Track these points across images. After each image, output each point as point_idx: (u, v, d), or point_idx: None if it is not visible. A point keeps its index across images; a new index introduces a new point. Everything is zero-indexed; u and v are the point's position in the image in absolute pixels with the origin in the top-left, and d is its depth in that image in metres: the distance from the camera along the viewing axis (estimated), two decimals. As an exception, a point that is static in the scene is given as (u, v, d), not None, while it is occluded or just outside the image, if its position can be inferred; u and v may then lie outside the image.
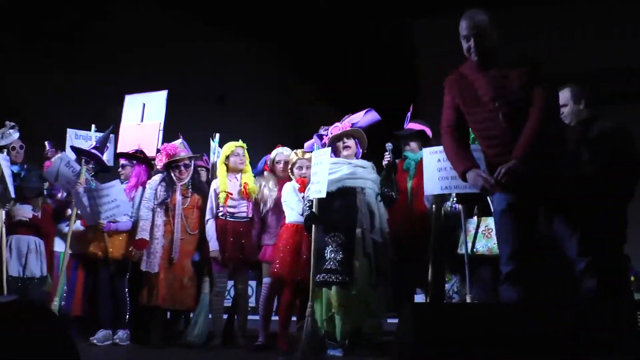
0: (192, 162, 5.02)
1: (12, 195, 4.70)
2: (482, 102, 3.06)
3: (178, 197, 4.90)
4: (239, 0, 11.90)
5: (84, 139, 5.36)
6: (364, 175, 4.26)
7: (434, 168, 4.01)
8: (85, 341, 4.66)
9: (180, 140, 4.99)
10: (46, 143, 5.57)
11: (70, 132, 5.38)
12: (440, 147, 3.98)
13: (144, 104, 5.54)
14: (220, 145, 5.16)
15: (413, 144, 4.70)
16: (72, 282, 5.06)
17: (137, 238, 4.76)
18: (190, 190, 4.98)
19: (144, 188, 4.97)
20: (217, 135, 5.32)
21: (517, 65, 3.04)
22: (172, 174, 4.93)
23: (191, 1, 12.59)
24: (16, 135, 4.94)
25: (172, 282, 4.78)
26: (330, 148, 4.31)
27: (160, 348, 4.64)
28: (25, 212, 4.88)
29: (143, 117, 5.51)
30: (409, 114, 4.71)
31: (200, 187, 5.06)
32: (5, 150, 4.95)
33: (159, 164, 4.96)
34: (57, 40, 13.73)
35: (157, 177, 4.99)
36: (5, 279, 4.68)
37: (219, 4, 12.17)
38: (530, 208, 3.14)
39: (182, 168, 4.93)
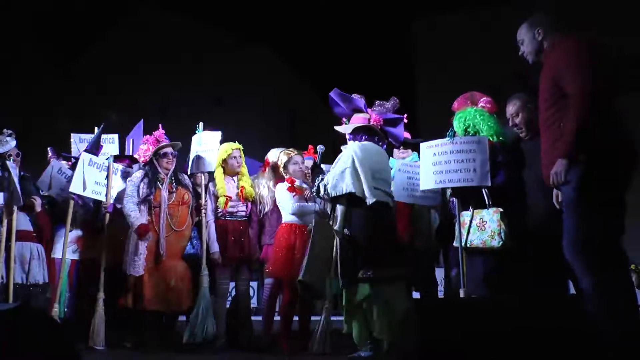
0: (176, 152, 4.96)
1: (21, 202, 4.73)
2: None
3: (163, 193, 4.79)
4: (238, 2, 11.96)
5: (88, 142, 5.38)
6: None
7: (430, 162, 4.01)
8: (87, 346, 4.69)
9: (161, 132, 5.00)
10: (48, 149, 5.61)
11: (75, 137, 5.46)
12: (437, 141, 4.05)
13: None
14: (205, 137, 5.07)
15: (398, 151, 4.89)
16: (74, 287, 5.09)
17: (135, 227, 4.67)
18: (175, 184, 4.86)
19: None
20: (202, 124, 5.15)
21: None
22: (158, 166, 4.84)
23: (192, 5, 12.65)
24: (13, 143, 4.93)
25: (158, 283, 4.65)
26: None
27: (156, 352, 4.53)
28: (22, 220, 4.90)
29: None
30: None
31: (184, 182, 4.96)
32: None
33: (144, 156, 4.91)
34: (60, 50, 13.83)
35: (138, 174, 4.92)
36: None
37: (217, 6, 12.22)
38: None
39: (170, 156, 4.85)
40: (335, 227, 4.08)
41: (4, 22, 11.31)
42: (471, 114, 4.14)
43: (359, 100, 4.36)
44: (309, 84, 15.03)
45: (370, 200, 3.94)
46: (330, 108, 4.42)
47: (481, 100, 4.28)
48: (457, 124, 4.15)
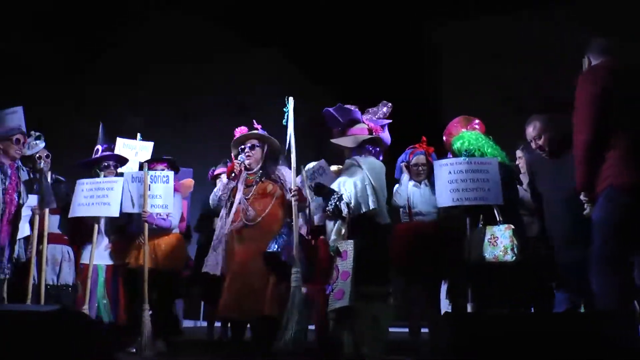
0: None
1: (53, 204, 4.78)
2: None
3: (240, 185, 4.52)
4: (257, 8, 12.03)
5: (130, 147, 5.40)
6: None
7: (445, 180, 4.12)
8: (124, 350, 4.75)
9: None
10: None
11: (119, 142, 5.39)
12: (450, 160, 4.22)
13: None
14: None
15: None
16: (114, 292, 5.10)
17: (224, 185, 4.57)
18: (258, 178, 4.52)
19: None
20: (291, 99, 4.58)
21: None
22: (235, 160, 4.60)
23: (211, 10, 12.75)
24: (42, 144, 4.95)
25: (235, 287, 4.27)
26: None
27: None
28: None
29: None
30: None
31: (273, 174, 4.54)
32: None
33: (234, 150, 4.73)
34: (82, 51, 14.00)
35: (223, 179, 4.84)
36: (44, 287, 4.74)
37: (235, 12, 12.31)
38: None
39: (247, 150, 4.57)
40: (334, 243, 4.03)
41: (20, 22, 11.47)
42: (473, 137, 4.29)
43: (356, 111, 4.34)
44: (330, 89, 15.09)
45: (385, 220, 4.12)
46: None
47: (474, 122, 4.41)
48: (461, 146, 4.27)
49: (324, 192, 4.16)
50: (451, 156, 4.40)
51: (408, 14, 11.73)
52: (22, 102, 4.79)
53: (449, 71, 11.86)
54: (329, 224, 4.17)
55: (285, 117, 4.44)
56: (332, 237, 4.10)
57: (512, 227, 3.94)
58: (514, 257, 3.84)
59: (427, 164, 4.48)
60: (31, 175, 4.80)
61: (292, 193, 4.25)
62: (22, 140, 4.61)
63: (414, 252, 4.28)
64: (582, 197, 3.22)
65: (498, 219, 4.00)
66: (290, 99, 4.51)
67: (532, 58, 10.18)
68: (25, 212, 4.68)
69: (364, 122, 4.31)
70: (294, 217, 4.25)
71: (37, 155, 4.96)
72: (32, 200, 4.72)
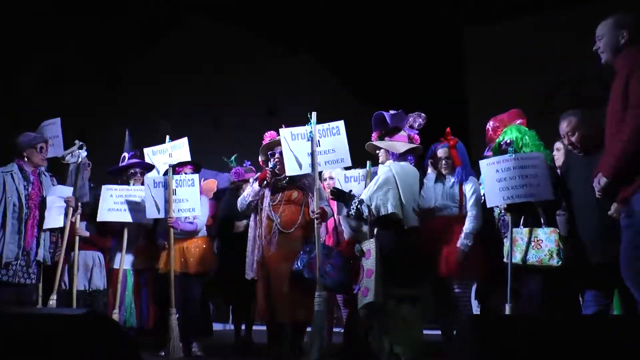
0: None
1: (87, 198, 4.90)
2: None
3: (266, 192, 4.55)
4: (286, 15, 12.09)
5: (160, 152, 5.41)
6: None
7: (493, 179, 4.00)
8: (153, 354, 4.81)
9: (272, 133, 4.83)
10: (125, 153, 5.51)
11: (147, 151, 5.41)
12: (497, 158, 4.08)
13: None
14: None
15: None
16: (144, 297, 5.15)
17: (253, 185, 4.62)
18: (284, 183, 4.56)
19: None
20: (315, 114, 4.55)
21: None
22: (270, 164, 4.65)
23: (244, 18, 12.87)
24: (84, 154, 5.04)
25: (267, 292, 4.37)
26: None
27: None
28: (83, 230, 5.04)
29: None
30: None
31: (297, 180, 4.56)
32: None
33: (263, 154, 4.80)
34: (116, 61, 14.26)
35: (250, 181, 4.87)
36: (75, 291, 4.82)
37: (268, 19, 12.39)
38: None
39: (277, 155, 4.62)
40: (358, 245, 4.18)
41: (56, 31, 11.74)
42: (522, 131, 4.21)
43: (407, 119, 4.41)
44: (357, 92, 15.07)
45: (411, 223, 4.12)
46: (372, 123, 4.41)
47: (519, 119, 4.34)
48: (521, 140, 4.18)
49: (344, 197, 4.28)
50: (490, 153, 4.32)
51: (435, 18, 11.68)
52: (62, 111, 4.92)
53: (474, 76, 11.77)
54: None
55: (309, 133, 4.44)
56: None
57: (557, 230, 3.88)
58: (560, 262, 3.77)
59: (450, 157, 4.38)
60: (54, 181, 4.95)
61: (315, 215, 4.31)
62: (45, 148, 4.83)
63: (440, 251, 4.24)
64: (600, 184, 3.14)
65: (542, 221, 3.95)
66: (314, 114, 4.51)
67: (560, 60, 10.05)
68: (59, 203, 4.77)
69: (404, 130, 4.39)
70: (316, 236, 4.29)
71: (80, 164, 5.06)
72: (63, 191, 4.82)
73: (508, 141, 4.14)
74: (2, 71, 11.25)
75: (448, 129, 4.42)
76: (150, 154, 5.45)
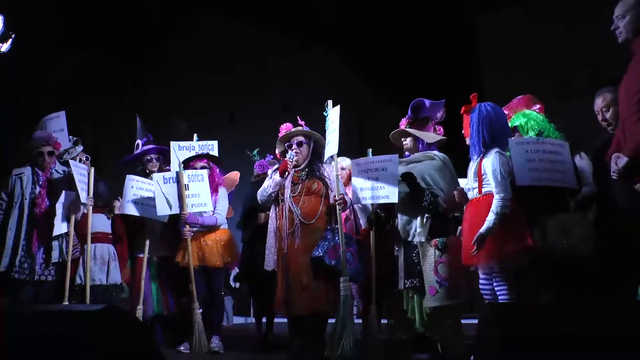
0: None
1: (84, 200, 4.79)
2: None
3: (286, 183, 4.46)
4: (303, 8, 12.07)
5: (187, 149, 5.31)
6: None
7: (523, 159, 3.84)
8: (172, 348, 4.82)
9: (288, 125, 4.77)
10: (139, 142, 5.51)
11: (174, 145, 5.28)
12: (526, 139, 3.98)
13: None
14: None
15: None
16: (164, 286, 5.16)
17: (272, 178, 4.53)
18: (305, 175, 4.48)
19: (216, 190, 5.04)
20: (330, 102, 4.52)
21: None
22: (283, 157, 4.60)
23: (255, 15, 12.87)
24: (80, 148, 5.09)
25: (287, 284, 4.28)
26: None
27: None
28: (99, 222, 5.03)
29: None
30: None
31: (317, 171, 4.50)
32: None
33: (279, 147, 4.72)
34: (130, 58, 14.37)
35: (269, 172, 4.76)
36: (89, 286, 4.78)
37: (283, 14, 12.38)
38: None
39: (295, 145, 4.54)
40: (422, 238, 4.08)
41: (72, 32, 11.86)
42: (539, 119, 4.14)
43: (441, 109, 4.44)
44: (372, 84, 14.98)
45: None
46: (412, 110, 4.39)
47: (536, 105, 4.26)
48: (525, 125, 4.12)
49: (414, 185, 4.13)
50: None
51: (449, 7, 11.58)
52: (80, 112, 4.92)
53: (489, 65, 11.65)
54: (402, 217, 4.22)
55: (327, 123, 4.47)
56: (418, 229, 4.10)
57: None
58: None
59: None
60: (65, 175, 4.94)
61: (338, 200, 4.28)
62: (44, 152, 4.84)
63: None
64: (618, 165, 3.06)
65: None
66: (329, 102, 4.50)
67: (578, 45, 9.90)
68: (62, 210, 4.76)
69: (432, 121, 4.43)
70: (339, 224, 4.26)
71: (77, 158, 5.12)
72: (68, 197, 4.80)
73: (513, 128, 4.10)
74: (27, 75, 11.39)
75: (473, 94, 4.11)
76: (177, 148, 5.31)
